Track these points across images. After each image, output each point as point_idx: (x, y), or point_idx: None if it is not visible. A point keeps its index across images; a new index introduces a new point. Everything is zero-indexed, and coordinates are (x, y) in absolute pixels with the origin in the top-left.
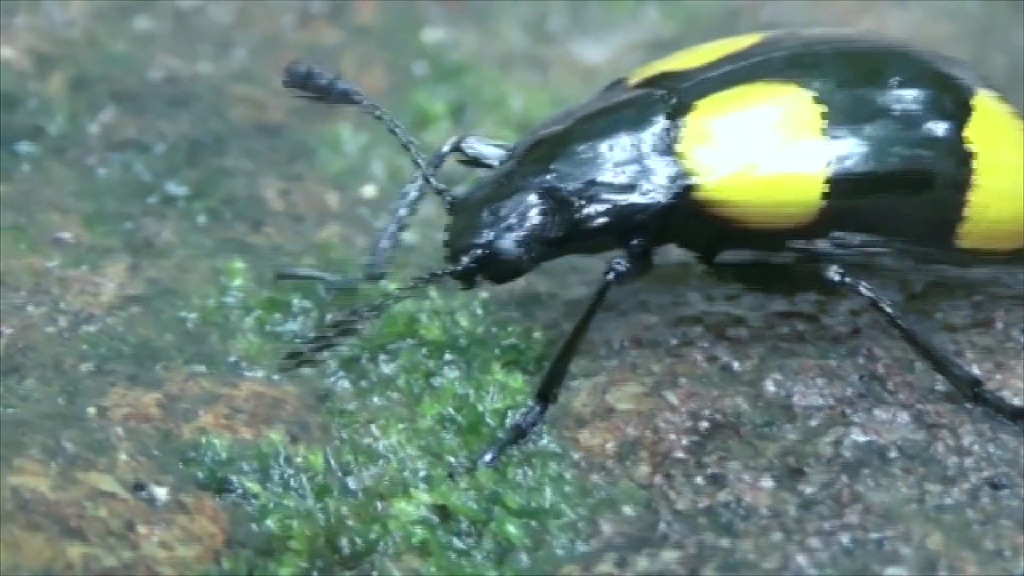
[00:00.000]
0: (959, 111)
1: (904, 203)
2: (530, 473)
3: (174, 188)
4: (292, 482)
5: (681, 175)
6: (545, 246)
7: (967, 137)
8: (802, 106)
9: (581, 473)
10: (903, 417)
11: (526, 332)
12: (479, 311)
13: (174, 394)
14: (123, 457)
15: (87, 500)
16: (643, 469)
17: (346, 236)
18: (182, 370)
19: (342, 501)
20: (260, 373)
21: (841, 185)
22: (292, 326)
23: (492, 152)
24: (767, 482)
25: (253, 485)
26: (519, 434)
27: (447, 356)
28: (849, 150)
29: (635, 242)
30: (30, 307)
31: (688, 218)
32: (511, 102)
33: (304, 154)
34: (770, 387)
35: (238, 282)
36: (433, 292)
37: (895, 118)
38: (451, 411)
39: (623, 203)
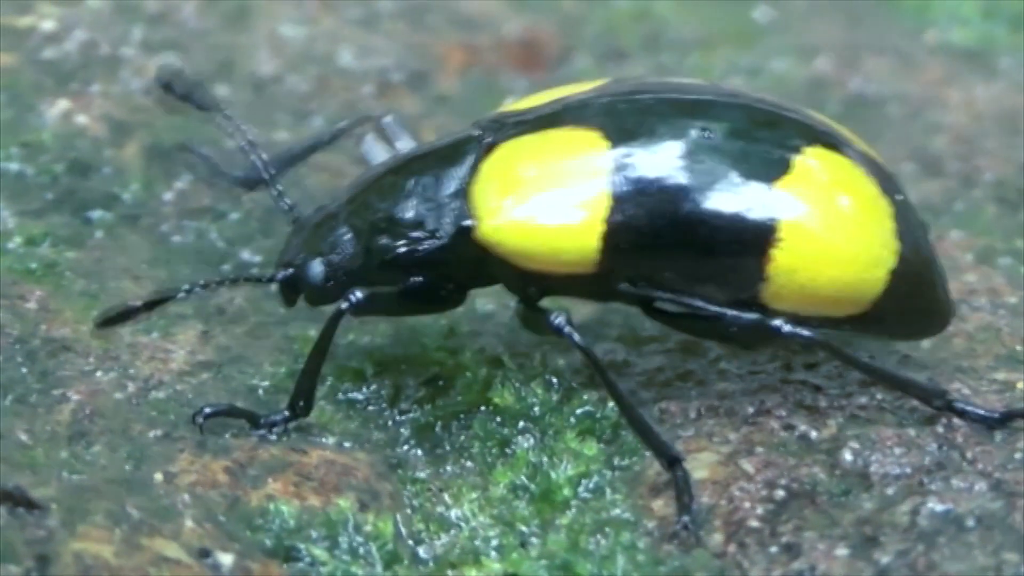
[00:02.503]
0: (772, 168)
1: (695, 260)
2: (603, 542)
3: (248, 256)
4: (361, 550)
5: (463, 216)
6: (353, 276)
7: (774, 196)
8: (595, 154)
9: (654, 542)
10: (981, 486)
11: (601, 400)
12: (554, 379)
13: (242, 461)
14: (189, 523)
15: (151, 566)
16: (717, 538)
17: None
18: (251, 437)
19: (412, 570)
20: (331, 440)
21: (622, 237)
22: (363, 394)
23: (380, 152)
24: (842, 551)
25: (321, 553)
26: (257, 427)
27: (521, 424)
28: (635, 201)
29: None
30: (99, 373)
31: (478, 259)
32: None
33: None
34: (847, 456)
35: (308, 349)
36: (507, 360)
37: (696, 172)
38: (524, 479)
39: (408, 239)
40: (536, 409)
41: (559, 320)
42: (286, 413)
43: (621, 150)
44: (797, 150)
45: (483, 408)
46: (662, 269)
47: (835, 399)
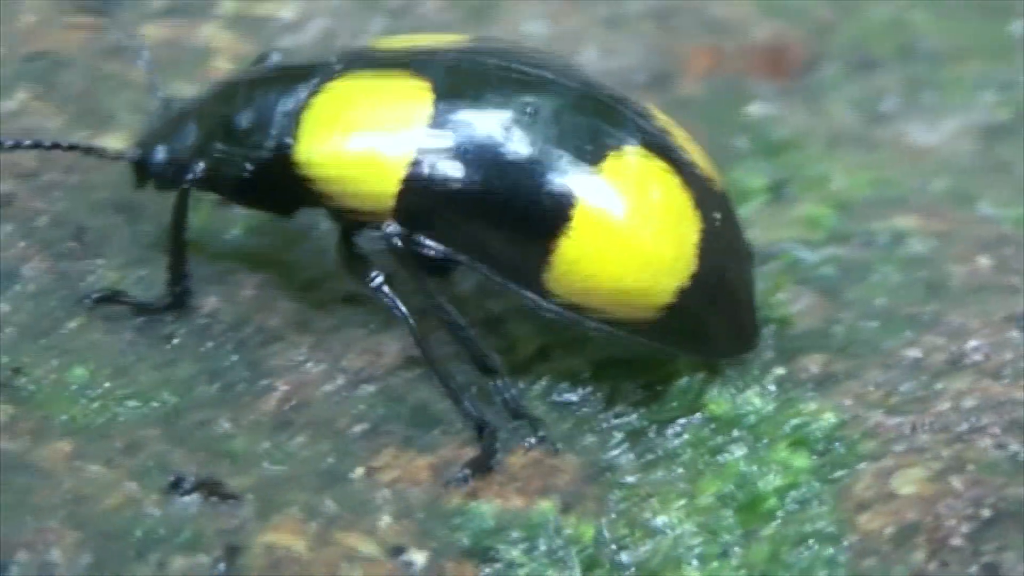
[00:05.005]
0: (582, 157)
1: (485, 229)
2: (805, 554)
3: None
4: (560, 553)
5: (286, 136)
6: (183, 172)
7: (575, 183)
8: (418, 105)
9: (855, 557)
10: None
11: (816, 412)
12: (771, 387)
13: (448, 458)
14: (386, 520)
15: (343, 561)
16: (918, 556)
17: None
18: (459, 436)
19: (612, 575)
20: (538, 441)
21: (421, 189)
22: (578, 395)
23: None
24: None
25: (519, 555)
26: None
27: (734, 433)
28: (441, 158)
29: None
30: (309, 364)
31: (294, 180)
32: (833, 181)
33: None
34: None
35: (528, 350)
36: (724, 367)
37: (508, 143)
38: (732, 488)
39: (238, 146)
40: (750, 418)
41: (377, 280)
42: (166, 300)
43: (443, 106)
44: (616, 146)
45: (697, 415)
46: (454, 229)
47: None
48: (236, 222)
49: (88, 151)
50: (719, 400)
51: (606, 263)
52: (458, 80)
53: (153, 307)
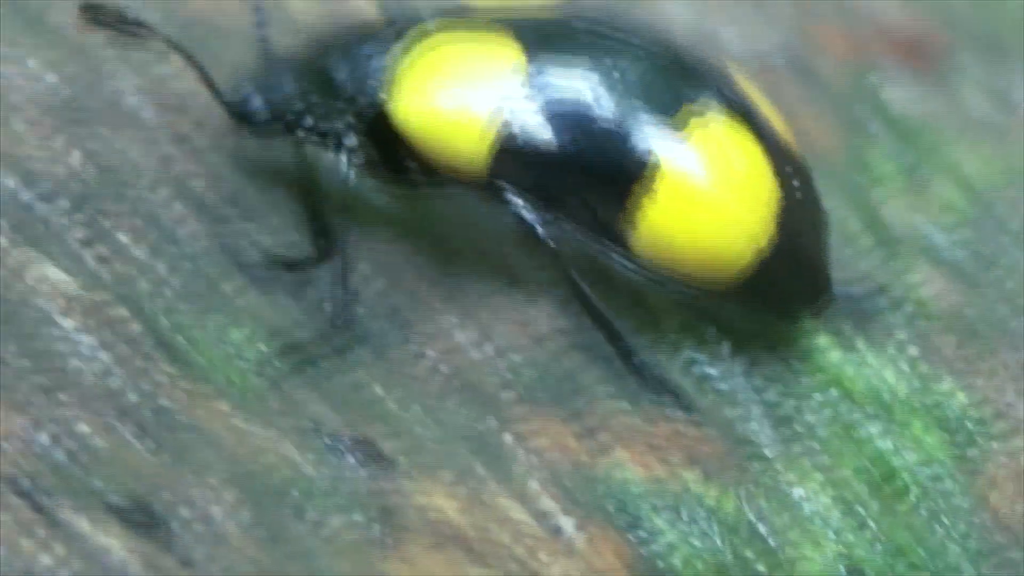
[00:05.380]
0: (666, 120)
1: (575, 188)
2: (937, 529)
3: None
4: (702, 523)
5: (381, 89)
6: (288, 115)
7: (657, 146)
8: (513, 64)
9: (987, 534)
10: None
11: (949, 393)
12: (904, 367)
13: (593, 427)
14: (534, 486)
15: (494, 524)
16: None
17: None
18: (605, 404)
19: (750, 545)
20: (682, 413)
21: (512, 146)
22: (718, 369)
23: None
24: None
25: (662, 523)
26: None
27: (870, 410)
28: (533, 117)
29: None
30: (458, 332)
31: (381, 136)
32: (965, 167)
33: None
34: None
35: (673, 320)
36: (861, 344)
37: (597, 104)
38: (867, 464)
39: (329, 99)
40: (886, 396)
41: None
42: (314, 256)
43: (534, 67)
44: (699, 111)
45: (833, 391)
46: (543, 188)
47: None
48: (381, 190)
49: (201, 74)
50: (855, 378)
51: (687, 226)
52: (549, 42)
53: (303, 264)
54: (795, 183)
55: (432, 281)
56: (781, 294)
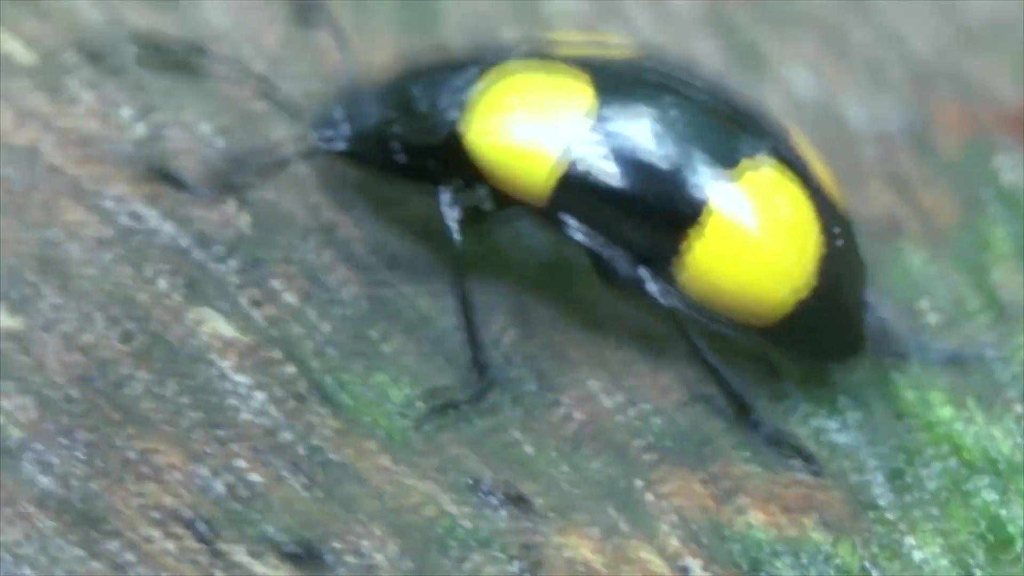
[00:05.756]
0: (721, 165)
1: (630, 224)
2: None
3: None
4: (820, 567)
5: (458, 119)
6: (370, 144)
7: (711, 190)
8: (583, 102)
9: None
10: None
11: None
12: (1012, 425)
13: (729, 489)
14: (672, 541)
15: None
16: None
17: None
18: (734, 458)
19: None
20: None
21: (576, 180)
22: (836, 423)
23: None
24: None
25: (783, 567)
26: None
27: (984, 476)
28: (598, 154)
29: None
30: (592, 381)
31: (459, 162)
32: None
33: None
34: None
35: (795, 375)
36: (971, 403)
37: (658, 146)
38: (976, 516)
39: (413, 122)
40: (993, 452)
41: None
42: (477, 385)
43: (603, 106)
44: (752, 158)
45: (946, 446)
46: (599, 222)
47: None
48: (527, 252)
49: (282, 100)
50: (964, 434)
51: (733, 269)
52: (618, 83)
53: (473, 398)
54: (838, 235)
55: (572, 343)
56: (817, 340)
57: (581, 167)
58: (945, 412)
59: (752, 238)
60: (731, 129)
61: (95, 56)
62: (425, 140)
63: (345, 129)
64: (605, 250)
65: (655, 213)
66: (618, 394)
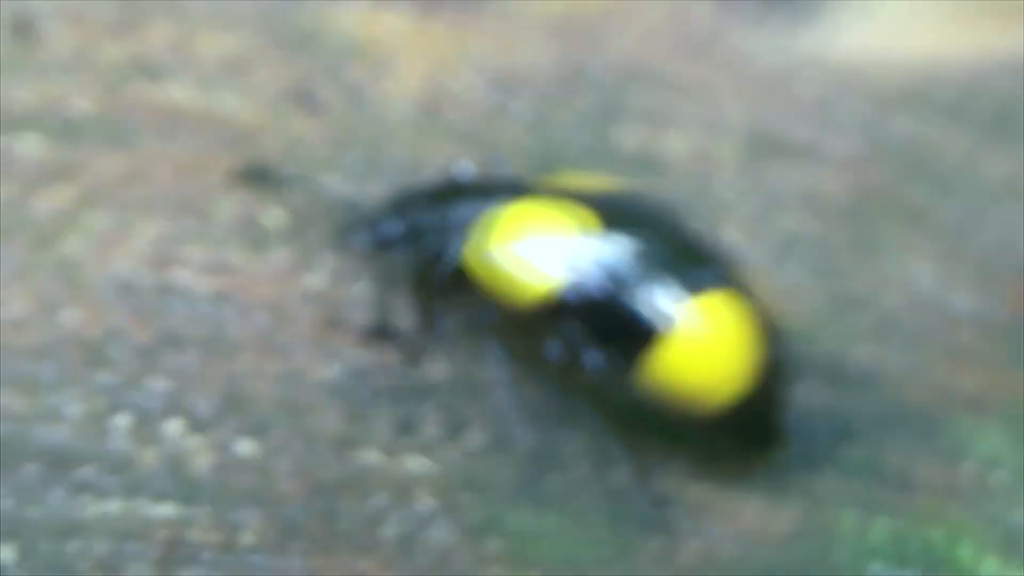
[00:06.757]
0: (687, 289)
1: (607, 332)
2: None
3: None
4: None
5: (466, 240)
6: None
7: (676, 309)
8: (577, 233)
9: None
10: None
11: None
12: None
13: None
14: None
15: None
16: None
17: None
18: None
19: None
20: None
21: (567, 300)
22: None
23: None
24: None
25: None
26: None
27: None
28: (588, 278)
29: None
30: (686, 522)
31: (470, 283)
32: None
33: None
34: None
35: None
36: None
37: (638, 271)
38: None
39: (425, 244)
40: None
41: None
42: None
43: (593, 237)
44: (711, 287)
45: None
46: (579, 328)
47: None
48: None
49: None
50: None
51: (690, 373)
52: (609, 216)
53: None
54: (775, 347)
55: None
56: (749, 431)
57: (573, 292)
58: (991, 564)
59: (707, 348)
60: (695, 259)
61: None
62: (440, 262)
63: (396, 230)
64: (581, 347)
65: (632, 325)
66: (728, 542)
